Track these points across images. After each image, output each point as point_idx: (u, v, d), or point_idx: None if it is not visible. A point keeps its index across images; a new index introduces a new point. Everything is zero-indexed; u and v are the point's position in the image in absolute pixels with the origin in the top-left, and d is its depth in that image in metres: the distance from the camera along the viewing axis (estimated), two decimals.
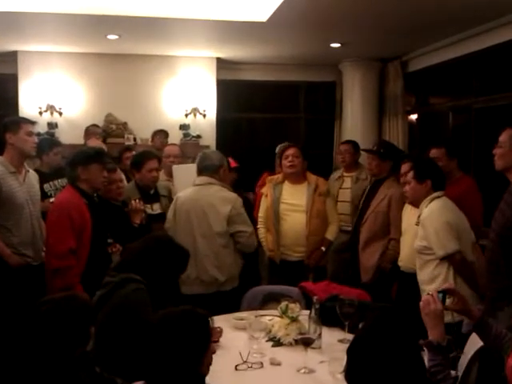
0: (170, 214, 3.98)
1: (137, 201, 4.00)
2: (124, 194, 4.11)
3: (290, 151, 4.48)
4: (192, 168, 4.10)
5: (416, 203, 3.52)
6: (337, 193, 5.31)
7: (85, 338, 2.11)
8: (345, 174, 5.54)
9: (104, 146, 5.30)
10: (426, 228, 3.33)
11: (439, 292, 2.24)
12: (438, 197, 3.41)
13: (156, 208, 4.27)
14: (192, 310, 1.98)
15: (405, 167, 3.92)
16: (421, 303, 2.22)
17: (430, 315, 2.17)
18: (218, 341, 2.78)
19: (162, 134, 6.54)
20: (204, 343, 1.94)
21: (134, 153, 5.39)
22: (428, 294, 2.26)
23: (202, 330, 1.94)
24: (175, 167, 4.58)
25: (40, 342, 2.00)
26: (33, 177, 4.00)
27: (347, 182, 5.41)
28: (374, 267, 4.34)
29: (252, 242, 3.96)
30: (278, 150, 5.67)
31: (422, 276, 3.43)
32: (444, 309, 2.21)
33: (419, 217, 3.45)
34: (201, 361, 1.92)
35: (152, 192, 4.35)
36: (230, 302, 3.62)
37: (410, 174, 3.49)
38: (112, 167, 4.00)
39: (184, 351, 1.88)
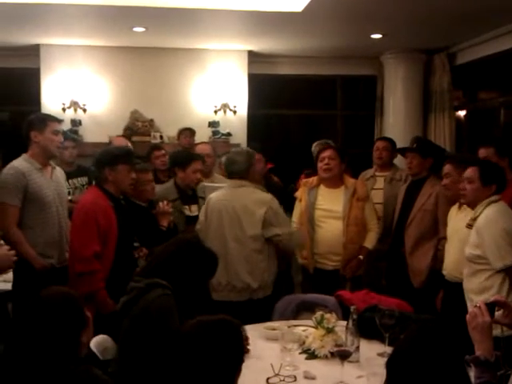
0: (201, 216, 4.04)
1: (165, 203, 4.07)
2: (161, 194, 4.23)
3: (326, 153, 4.45)
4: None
5: (473, 204, 3.47)
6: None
7: (82, 321, 2.13)
8: (377, 173, 5.41)
9: (130, 145, 5.39)
10: (483, 236, 3.28)
11: (488, 304, 2.21)
12: (495, 201, 3.37)
13: (194, 210, 4.34)
14: (227, 320, 1.96)
15: (446, 168, 3.89)
16: (467, 316, 2.19)
17: (477, 329, 2.14)
18: (248, 351, 2.80)
19: (188, 133, 6.58)
20: (239, 357, 1.93)
21: (163, 152, 5.49)
22: (476, 306, 2.23)
23: (237, 343, 1.93)
24: (206, 186, 4.65)
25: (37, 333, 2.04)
26: (60, 174, 4.09)
27: (380, 183, 5.29)
28: (428, 269, 4.31)
29: (295, 242, 4.02)
30: (314, 148, 5.66)
31: (471, 285, 3.39)
32: (492, 322, 2.18)
33: (474, 219, 3.39)
34: (234, 376, 1.92)
35: (190, 193, 4.44)
36: (263, 311, 3.64)
37: (474, 175, 3.42)
38: (144, 168, 4.09)
39: (220, 364, 1.86)
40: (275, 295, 3.91)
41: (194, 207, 4.39)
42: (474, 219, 3.40)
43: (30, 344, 2.02)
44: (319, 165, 4.48)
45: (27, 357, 2.01)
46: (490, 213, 3.32)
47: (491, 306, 2.20)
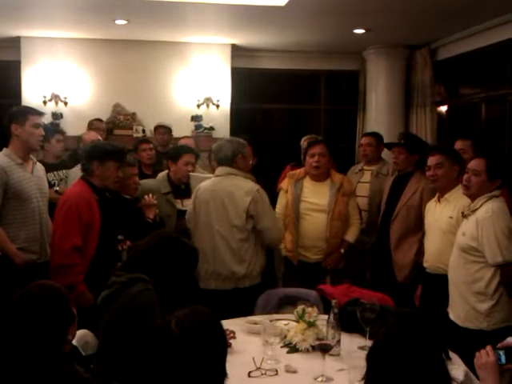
0: (190, 206, 4.05)
1: (150, 196, 4.07)
2: (154, 187, 4.26)
3: (317, 149, 4.44)
4: (209, 178, 4.13)
5: (475, 197, 3.41)
6: (355, 187, 5.21)
7: (68, 318, 2.10)
8: (365, 167, 5.46)
9: (100, 139, 5.38)
10: (482, 229, 3.27)
11: (497, 349, 2.25)
12: (496, 196, 3.36)
13: (186, 204, 4.33)
14: (207, 313, 1.90)
15: (437, 158, 3.86)
16: (475, 359, 2.24)
17: (482, 368, 2.19)
18: (230, 345, 2.80)
19: (161, 130, 6.37)
20: (223, 347, 1.89)
21: (150, 145, 5.49)
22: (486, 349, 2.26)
23: (221, 335, 1.90)
24: (192, 176, 4.65)
25: (24, 331, 2.01)
26: (40, 169, 4.07)
27: (367, 176, 5.34)
28: (412, 264, 4.34)
29: (277, 236, 3.98)
30: (303, 142, 5.66)
31: (460, 275, 3.40)
32: (505, 369, 2.23)
33: (473, 211, 3.36)
34: (224, 369, 1.88)
35: (183, 187, 4.44)
36: (249, 300, 3.65)
37: (481, 167, 3.36)
38: (131, 161, 4.09)
39: (204, 358, 1.80)
40: (259, 290, 3.91)
41: (187, 201, 4.38)
42: (473, 211, 3.37)
43: (15, 339, 2.00)
44: (309, 160, 4.47)
45: (10, 352, 1.99)
46: (493, 207, 3.29)
47: (504, 351, 2.24)
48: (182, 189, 4.43)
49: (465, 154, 4.05)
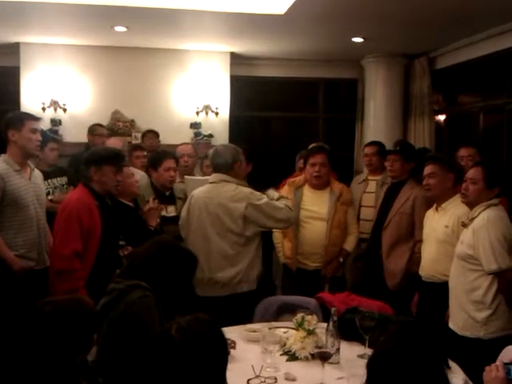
0: (183, 212, 4.03)
1: (152, 200, 4.07)
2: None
3: (318, 159, 4.44)
4: (206, 182, 4.12)
5: (473, 205, 3.43)
6: (360, 197, 5.25)
7: (87, 344, 2.12)
8: (370, 177, 5.45)
9: (121, 146, 5.38)
10: (478, 237, 3.28)
11: (507, 364, 2.23)
12: (495, 204, 3.37)
13: (171, 210, 4.33)
14: (207, 320, 1.90)
15: (430, 168, 3.88)
16: (484, 374, 2.23)
17: (490, 383, 2.18)
18: (229, 353, 2.79)
19: (150, 135, 6.46)
20: (224, 354, 1.90)
21: (144, 153, 5.50)
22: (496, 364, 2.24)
23: (221, 340, 1.90)
24: (188, 179, 4.64)
25: (41, 344, 2.02)
26: (38, 176, 4.07)
27: (372, 186, 5.31)
28: (403, 271, 4.35)
29: (289, 217, 3.91)
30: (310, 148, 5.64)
31: (458, 283, 3.42)
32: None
33: (471, 220, 3.37)
34: (224, 377, 1.88)
35: (168, 194, 4.43)
36: (247, 305, 3.64)
37: (478, 176, 3.38)
38: (126, 162, 4.10)
39: (206, 365, 1.81)
40: (257, 296, 3.90)
41: (171, 208, 4.38)
42: (471, 219, 3.38)
43: (32, 350, 2.01)
44: (309, 169, 4.47)
45: (21, 363, 1.99)
46: (489, 216, 3.30)
47: None
48: (165, 195, 4.42)
49: (471, 162, 4.07)
